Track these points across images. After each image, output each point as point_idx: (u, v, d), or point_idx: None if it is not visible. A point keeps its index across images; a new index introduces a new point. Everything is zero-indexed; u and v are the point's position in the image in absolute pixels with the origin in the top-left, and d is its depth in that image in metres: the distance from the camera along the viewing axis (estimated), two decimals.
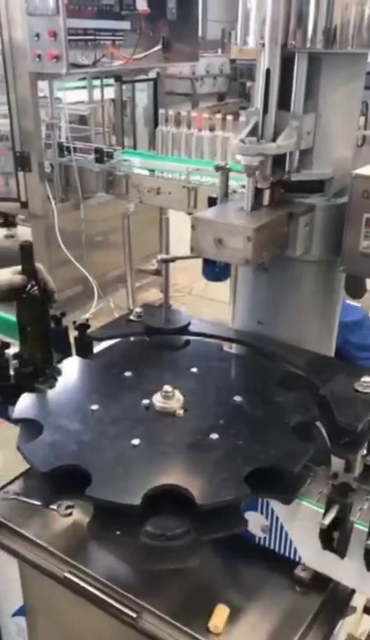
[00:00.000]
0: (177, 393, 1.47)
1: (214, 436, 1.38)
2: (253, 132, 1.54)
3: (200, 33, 6.74)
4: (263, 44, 1.45)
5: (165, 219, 1.94)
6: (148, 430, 1.40)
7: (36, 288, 1.67)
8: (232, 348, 1.87)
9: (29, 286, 1.66)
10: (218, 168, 1.70)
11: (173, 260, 1.75)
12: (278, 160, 1.57)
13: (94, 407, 1.48)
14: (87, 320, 1.76)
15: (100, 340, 1.80)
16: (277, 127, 1.51)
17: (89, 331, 1.76)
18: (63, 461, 1.28)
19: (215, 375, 1.64)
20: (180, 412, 1.45)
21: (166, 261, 1.72)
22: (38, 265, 1.70)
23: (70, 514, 1.57)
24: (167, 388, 1.45)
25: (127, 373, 1.63)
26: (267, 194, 1.60)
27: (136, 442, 1.35)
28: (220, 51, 12.41)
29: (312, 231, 1.63)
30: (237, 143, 1.52)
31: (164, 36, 4.24)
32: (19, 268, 1.69)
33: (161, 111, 4.15)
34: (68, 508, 1.58)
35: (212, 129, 3.90)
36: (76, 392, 1.56)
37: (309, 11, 1.43)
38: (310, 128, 1.55)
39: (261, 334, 1.78)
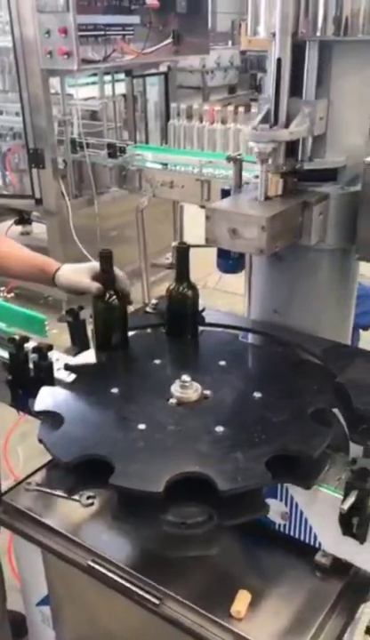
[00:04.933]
0: (195, 383, 1.48)
1: (233, 423, 1.39)
2: (265, 119, 1.54)
3: (210, 25, 6.73)
4: (274, 34, 1.45)
5: (180, 206, 1.95)
6: (168, 419, 1.41)
7: (114, 297, 1.68)
8: (248, 339, 1.88)
9: (108, 295, 1.68)
10: (230, 159, 1.71)
11: (187, 247, 1.75)
12: (291, 149, 1.58)
13: (115, 396, 1.50)
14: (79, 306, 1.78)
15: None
16: (290, 114, 1.51)
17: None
18: (85, 451, 1.30)
19: (233, 365, 1.64)
20: (199, 400, 1.46)
21: (181, 248, 1.72)
22: (118, 272, 1.72)
23: (92, 504, 1.60)
24: (185, 377, 1.46)
25: (145, 365, 1.65)
26: (280, 183, 1.60)
27: (156, 431, 1.37)
28: (230, 43, 12.38)
29: (326, 220, 1.63)
30: (250, 130, 1.52)
31: (174, 30, 4.26)
32: (96, 267, 1.71)
33: (172, 105, 4.15)
34: (89, 498, 1.60)
35: (223, 121, 3.90)
36: (96, 384, 1.58)
37: (319, 1, 1.43)
38: (323, 114, 1.54)
39: (277, 323, 1.79)
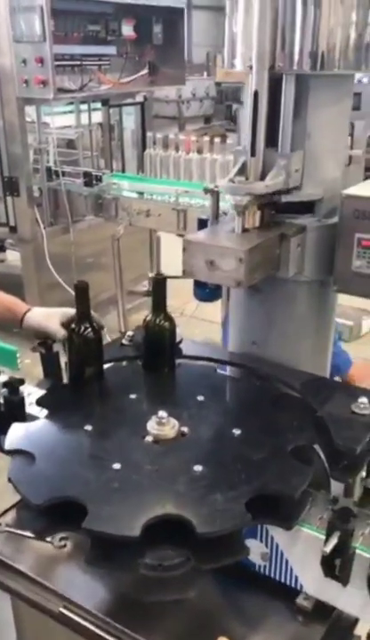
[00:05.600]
0: (172, 419, 1.44)
1: (211, 462, 1.35)
2: (241, 171, 1.55)
3: (186, 57, 6.82)
4: (251, 67, 1.45)
5: (157, 237, 1.94)
6: (144, 458, 1.36)
7: (89, 330, 1.65)
8: (226, 370, 1.85)
9: (82, 328, 1.65)
10: (207, 191, 1.69)
11: (164, 279, 1.73)
12: None
13: (89, 433, 1.45)
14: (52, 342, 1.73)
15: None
16: (266, 166, 1.52)
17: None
18: (56, 493, 1.24)
19: (211, 399, 1.61)
20: (177, 437, 1.42)
21: (158, 280, 1.70)
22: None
23: (64, 545, 1.53)
24: (162, 413, 1.42)
25: (121, 399, 1.60)
26: (258, 215, 1.59)
27: (132, 471, 1.32)
28: (205, 74, 12.57)
29: (304, 252, 1.61)
30: (226, 183, 1.53)
31: (151, 61, 4.30)
32: (68, 313, 1.70)
33: (149, 134, 4.17)
34: (62, 539, 1.53)
35: (199, 151, 3.92)
36: (70, 420, 1.52)
37: (296, 35, 1.43)
38: (299, 166, 1.55)
39: (255, 355, 1.76)
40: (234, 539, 1.23)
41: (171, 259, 1.60)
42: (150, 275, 1.76)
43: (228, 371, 1.84)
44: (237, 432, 1.43)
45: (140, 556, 1.19)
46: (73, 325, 1.67)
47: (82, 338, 1.65)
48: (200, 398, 1.59)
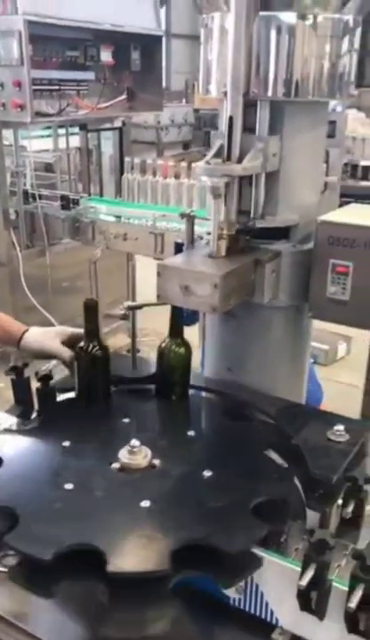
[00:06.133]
0: (145, 449, 1.40)
1: (164, 501, 1.31)
2: (218, 154, 1.51)
3: (164, 84, 6.88)
4: (225, 93, 1.45)
5: (132, 265, 1.92)
6: (99, 484, 1.34)
7: (97, 349, 1.64)
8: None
9: (90, 346, 1.63)
10: (183, 215, 1.68)
11: (140, 307, 1.71)
12: (243, 206, 1.56)
13: (63, 449, 1.45)
14: (51, 371, 1.69)
15: (64, 391, 1.72)
16: (243, 150, 1.49)
17: (52, 381, 1.69)
18: None
19: (194, 432, 1.57)
20: (147, 468, 1.38)
21: (133, 309, 1.67)
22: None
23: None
24: (134, 442, 1.38)
25: (87, 426, 1.57)
26: (233, 241, 1.57)
27: (80, 494, 1.30)
28: (184, 101, 12.73)
29: (279, 277, 1.60)
30: (202, 165, 1.49)
31: (129, 87, 4.33)
32: (65, 332, 1.67)
33: (126, 159, 4.17)
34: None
35: (177, 176, 3.92)
36: (50, 434, 1.52)
37: (270, 63, 1.44)
38: (276, 150, 1.53)
39: (231, 381, 1.74)
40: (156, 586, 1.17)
41: (149, 283, 1.57)
42: (126, 304, 1.73)
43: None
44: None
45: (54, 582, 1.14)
46: (81, 344, 1.66)
47: (90, 356, 1.64)
48: (188, 432, 1.57)
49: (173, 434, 1.56)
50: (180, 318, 1.67)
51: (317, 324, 1.83)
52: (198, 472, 1.37)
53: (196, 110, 12.23)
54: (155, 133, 11.91)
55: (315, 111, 1.58)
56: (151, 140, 11.83)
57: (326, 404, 3.20)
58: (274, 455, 1.47)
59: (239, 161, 1.48)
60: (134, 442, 1.38)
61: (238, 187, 1.52)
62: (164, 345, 1.69)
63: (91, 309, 1.64)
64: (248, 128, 1.50)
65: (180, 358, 1.69)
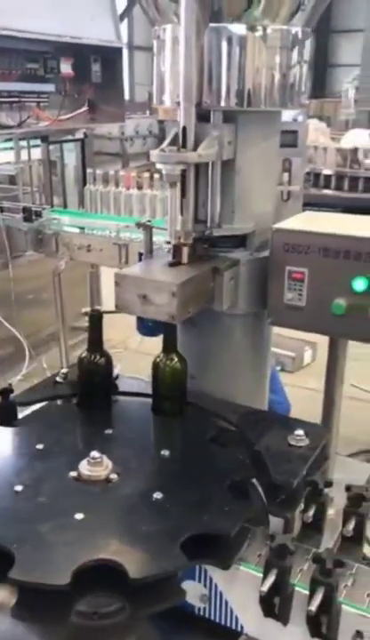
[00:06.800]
0: (107, 461, 1.39)
1: (147, 502, 1.32)
2: (173, 142, 1.52)
3: (128, 95, 6.89)
4: (179, 103, 1.46)
5: (90, 273, 1.91)
6: (47, 489, 1.34)
7: (101, 359, 1.68)
8: None
9: (93, 356, 1.67)
10: (140, 225, 1.68)
11: (100, 314, 1.70)
12: (200, 215, 1.57)
13: (35, 451, 1.46)
14: (10, 384, 1.68)
15: (25, 404, 1.70)
16: (198, 138, 1.49)
17: (13, 395, 1.67)
18: None
19: (146, 436, 1.57)
20: (112, 477, 1.38)
21: (93, 315, 1.67)
22: None
23: None
24: (95, 454, 1.37)
25: (50, 441, 1.55)
26: (190, 249, 1.58)
27: (26, 496, 1.30)
28: (148, 112, 12.76)
29: (237, 285, 1.62)
30: (158, 152, 1.49)
31: (90, 98, 4.32)
32: None
33: (89, 170, 4.17)
34: None
35: (140, 187, 3.94)
36: (29, 436, 1.54)
37: (221, 73, 1.46)
38: (231, 138, 1.53)
39: (193, 389, 1.74)
40: (169, 582, 1.17)
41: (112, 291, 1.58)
42: (83, 310, 1.72)
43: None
44: (157, 496, 1.34)
45: (72, 605, 1.12)
46: (84, 354, 1.68)
47: (93, 366, 1.68)
48: (135, 436, 1.58)
49: (147, 451, 1.56)
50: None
51: (282, 331, 1.85)
52: (149, 493, 1.35)
53: (160, 121, 12.29)
54: (120, 145, 11.92)
55: (268, 121, 1.60)
56: (116, 152, 11.84)
57: (293, 411, 3.23)
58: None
59: (195, 149, 1.48)
60: (95, 453, 1.37)
61: (195, 179, 1.51)
62: (158, 360, 1.68)
63: (95, 320, 1.66)
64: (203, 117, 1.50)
65: (175, 373, 1.68)
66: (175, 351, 1.67)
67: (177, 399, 1.69)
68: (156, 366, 1.68)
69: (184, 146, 1.47)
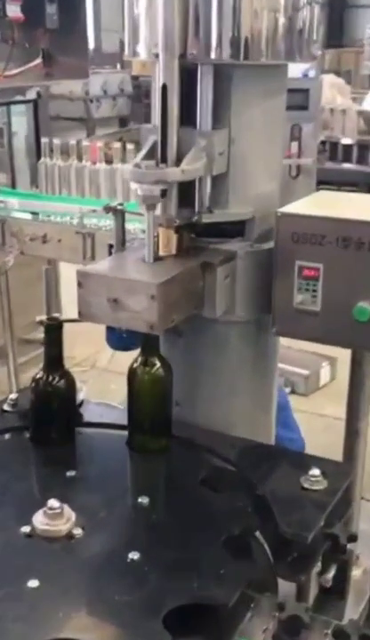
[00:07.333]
0: (69, 513, 1.39)
1: (121, 564, 1.31)
2: (151, 155, 1.53)
3: (93, 44, 6.90)
4: (157, 55, 1.47)
5: (46, 270, 1.91)
6: (26, 565, 1.32)
7: (61, 381, 1.69)
8: None
9: (51, 377, 1.68)
10: (109, 209, 1.69)
11: (60, 324, 1.70)
12: (186, 197, 1.57)
13: None
14: None
15: None
16: (182, 147, 1.51)
17: None
18: None
19: (119, 479, 1.57)
20: (75, 532, 1.38)
21: (50, 325, 1.67)
22: None
23: None
24: (53, 503, 1.37)
25: (21, 475, 1.60)
26: (174, 239, 1.59)
27: (12, 583, 1.27)
28: (118, 66, 12.80)
29: (234, 285, 1.63)
30: (132, 168, 1.50)
31: (45, 48, 4.32)
32: None
33: (44, 140, 4.17)
34: None
35: (109, 161, 3.94)
36: None
37: (211, 18, 1.47)
38: (223, 147, 1.55)
39: (178, 419, 1.74)
40: None
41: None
42: (38, 318, 1.72)
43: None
44: (133, 557, 1.34)
45: None
46: (39, 374, 1.68)
47: (51, 389, 1.67)
48: (103, 479, 1.58)
49: (121, 497, 1.56)
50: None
51: (292, 343, 1.86)
52: (123, 552, 1.34)
53: (134, 77, 12.34)
54: (83, 107, 11.95)
55: (270, 77, 1.61)
56: (79, 116, 11.87)
57: (308, 445, 3.24)
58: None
59: (177, 162, 1.50)
60: (53, 502, 1.37)
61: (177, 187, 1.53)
62: (135, 365, 1.67)
63: (52, 331, 1.66)
64: (188, 121, 1.52)
65: (157, 384, 1.67)
66: (157, 354, 1.66)
67: (160, 425, 1.69)
68: (132, 374, 1.68)
69: (164, 159, 1.49)
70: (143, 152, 1.55)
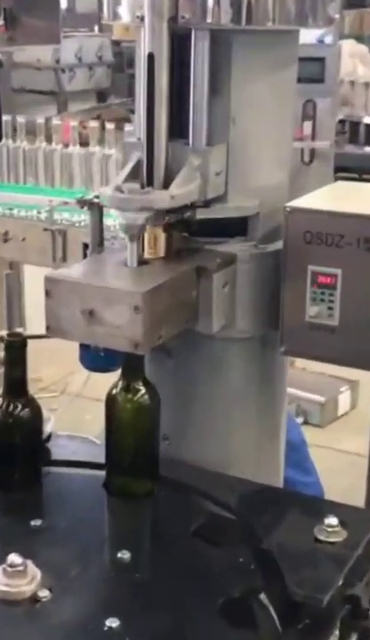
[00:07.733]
0: (33, 571, 1.38)
1: (96, 633, 1.31)
2: (134, 175, 1.55)
3: (66, 3, 6.93)
4: (141, 18, 1.48)
5: (7, 275, 1.92)
6: None
7: (25, 410, 1.70)
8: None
9: (13, 406, 1.69)
10: (83, 203, 1.69)
11: (23, 340, 1.70)
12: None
13: None
14: None
15: None
16: (171, 165, 1.54)
17: None
18: None
19: (94, 529, 1.57)
20: (41, 594, 1.37)
21: (12, 342, 1.67)
22: None
23: None
24: (15, 558, 1.37)
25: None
26: (162, 239, 1.60)
27: None
28: (97, 29, 12.86)
29: (234, 294, 1.64)
30: (112, 192, 1.52)
31: (7, 8, 4.35)
32: None
33: (6, 117, 4.19)
34: None
35: (84, 143, 3.96)
36: None
37: None
38: (221, 166, 1.58)
39: (167, 456, 1.75)
40: None
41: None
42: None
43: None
44: (112, 624, 1.32)
45: None
46: None
47: (11, 419, 1.68)
48: (76, 529, 1.58)
49: (96, 552, 1.56)
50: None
51: (305, 364, 1.87)
52: (100, 618, 1.34)
53: (116, 43, 12.40)
54: (53, 78, 11.99)
55: (278, 45, 1.62)
56: (49, 89, 11.91)
57: (324, 485, 3.24)
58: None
59: (166, 185, 1.52)
60: (15, 558, 1.37)
61: None
62: (115, 391, 1.68)
63: (15, 349, 1.67)
64: (179, 133, 1.55)
65: (141, 412, 1.68)
66: (142, 378, 1.67)
67: (144, 464, 1.70)
68: (111, 402, 1.68)
69: (150, 182, 1.51)
70: (125, 172, 1.59)
